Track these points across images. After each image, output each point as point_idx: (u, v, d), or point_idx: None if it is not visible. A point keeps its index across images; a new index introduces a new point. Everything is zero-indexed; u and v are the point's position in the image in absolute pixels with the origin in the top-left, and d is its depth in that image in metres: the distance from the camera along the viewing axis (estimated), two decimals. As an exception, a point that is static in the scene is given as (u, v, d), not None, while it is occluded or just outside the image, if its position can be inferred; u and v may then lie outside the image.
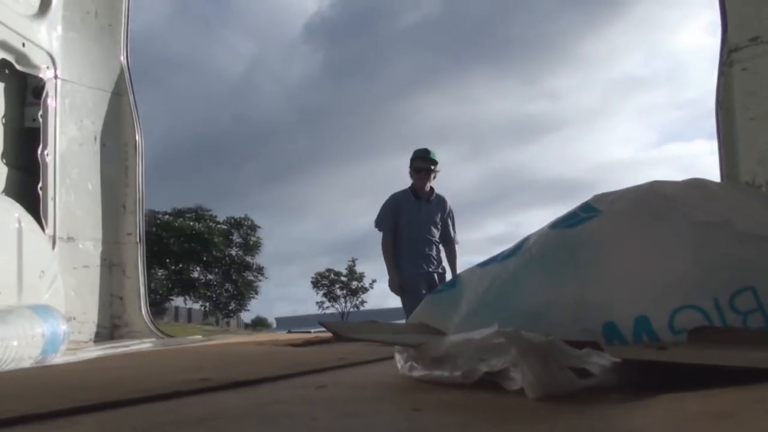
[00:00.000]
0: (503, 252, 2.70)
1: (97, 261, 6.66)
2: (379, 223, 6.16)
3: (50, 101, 6.08)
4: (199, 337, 6.73)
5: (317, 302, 37.77)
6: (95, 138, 6.73)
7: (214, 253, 26.22)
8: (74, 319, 5.95)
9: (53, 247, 5.81)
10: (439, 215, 6.23)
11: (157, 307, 24.99)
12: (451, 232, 6.36)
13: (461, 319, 2.48)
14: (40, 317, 3.59)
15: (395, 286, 6.11)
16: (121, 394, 1.82)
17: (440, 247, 6.27)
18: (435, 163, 6.12)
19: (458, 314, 2.51)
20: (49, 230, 5.83)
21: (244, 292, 28.98)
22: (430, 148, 6.18)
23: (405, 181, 6.38)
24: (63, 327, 3.80)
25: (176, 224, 26.38)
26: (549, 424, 1.20)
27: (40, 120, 5.97)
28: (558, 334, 2.29)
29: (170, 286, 26.62)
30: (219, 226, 27.47)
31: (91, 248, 6.58)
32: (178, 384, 2.03)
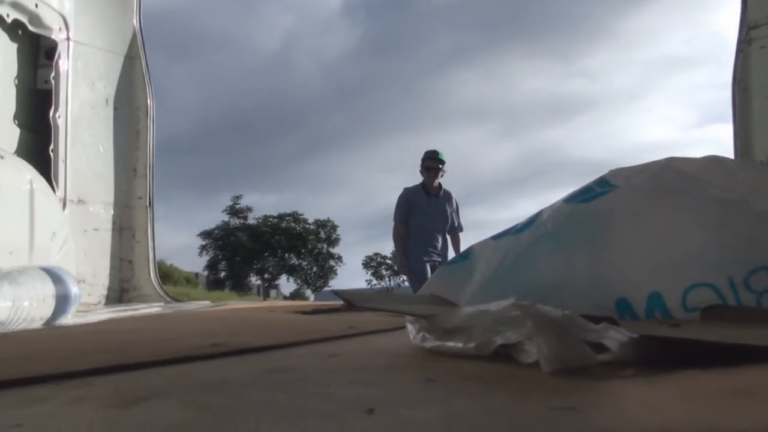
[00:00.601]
0: (517, 225, 2.68)
1: (108, 224, 6.67)
2: (396, 212, 6.86)
3: (62, 63, 6.06)
4: (208, 302, 6.75)
5: (366, 280, 44.84)
6: (107, 101, 6.71)
7: (309, 245, 35.09)
8: (84, 281, 5.97)
9: (64, 209, 5.80)
10: (447, 209, 6.94)
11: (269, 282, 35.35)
12: (456, 221, 7.05)
13: (473, 291, 2.47)
14: (51, 279, 3.60)
15: (403, 267, 7.14)
16: (134, 357, 1.82)
17: (445, 237, 7.00)
18: (443, 162, 6.82)
19: (470, 286, 2.50)
20: (60, 192, 5.84)
21: (327, 274, 38.19)
22: (438, 149, 7.03)
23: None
24: (74, 289, 3.80)
25: (282, 225, 35.03)
26: (565, 398, 1.20)
27: (52, 82, 5.95)
28: (572, 309, 2.30)
29: (278, 270, 35.90)
30: (310, 226, 36.14)
31: (101, 211, 6.59)
32: (190, 349, 2.03)
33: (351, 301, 1.91)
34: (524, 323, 1.50)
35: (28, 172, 4.59)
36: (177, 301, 6.85)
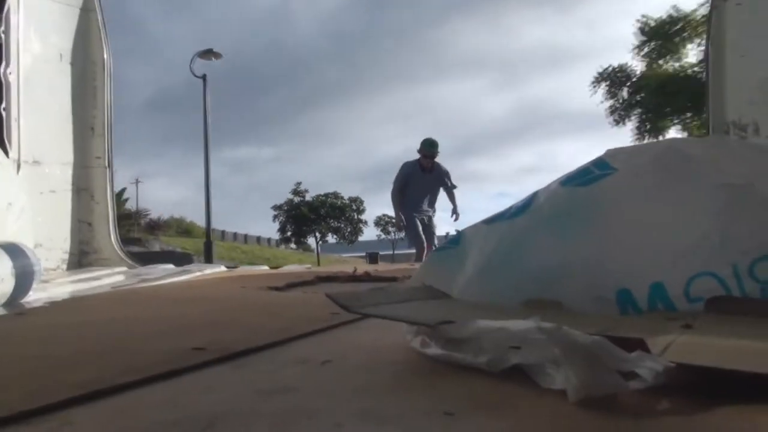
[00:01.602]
0: (510, 209, 2.56)
1: (65, 185, 6.43)
2: (396, 180, 9.29)
3: (13, 16, 5.72)
4: (171, 266, 6.56)
5: (377, 235, 55.42)
6: (61, 56, 6.40)
7: (346, 214, 48.07)
8: (41, 246, 5.75)
9: (18, 171, 5.54)
10: (437, 182, 9.47)
11: (322, 240, 48.54)
12: (449, 183, 9.54)
13: (467, 280, 2.36)
14: (9, 255, 3.40)
15: (399, 222, 9.72)
16: (104, 374, 1.66)
17: (433, 200, 9.57)
18: (437, 154, 9.25)
19: (463, 275, 2.39)
20: (13, 153, 5.57)
21: (357, 232, 49.78)
22: (434, 138, 9.33)
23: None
24: (35, 264, 3.62)
25: (328, 202, 47.34)
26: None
27: (2, 36, 5.63)
28: (571, 300, 2.20)
29: (326, 231, 48.01)
30: (346, 201, 48.25)
31: (57, 172, 6.33)
32: (170, 355, 1.87)
33: (347, 306, 1.76)
34: (548, 347, 1.37)
35: (-21, 139, 4.34)
36: (139, 265, 6.65)
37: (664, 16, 32.70)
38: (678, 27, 32.40)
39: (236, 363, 1.87)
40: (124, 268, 6.16)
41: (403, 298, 2.07)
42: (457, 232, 2.66)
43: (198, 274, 5.66)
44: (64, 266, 6.36)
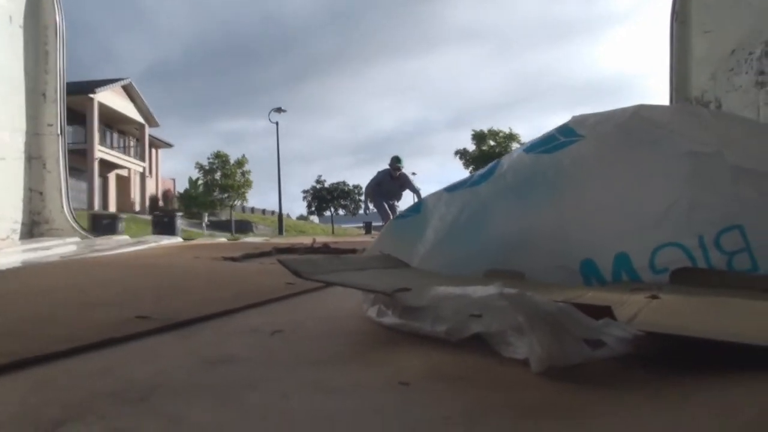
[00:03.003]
0: (473, 176, 2.48)
1: (15, 153, 6.20)
2: (372, 180, 13.02)
3: (-42, -25, 5.47)
4: (127, 237, 6.39)
5: (372, 208, 67.45)
6: (11, 18, 6.14)
7: (350, 197, 61.91)
8: (-10, 215, 5.54)
9: (-35, 138, 5.33)
10: (401, 186, 12.97)
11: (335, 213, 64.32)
12: (413, 187, 13.09)
13: (427, 249, 2.28)
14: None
15: (366, 207, 13.55)
16: (43, 341, 1.55)
17: (397, 197, 13.26)
18: (401, 167, 12.76)
19: (423, 244, 2.30)
20: (-40, 119, 5.34)
21: (358, 207, 59.42)
22: (400, 155, 12.89)
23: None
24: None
25: (339, 187, 62.00)
26: (579, 420, 1.00)
27: (-54, -4, 5.38)
28: (534, 270, 2.13)
29: (337, 207, 64.13)
30: (349, 187, 62.64)
31: (7, 139, 6.11)
32: (112, 324, 1.76)
33: (299, 272, 1.66)
34: (512, 315, 1.29)
35: None
36: (92, 236, 6.47)
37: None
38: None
39: (181, 332, 1.76)
40: (77, 239, 5.98)
41: (359, 267, 1.97)
42: (419, 200, 2.58)
43: (153, 245, 5.51)
44: (16, 236, 6.15)
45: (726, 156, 2.16)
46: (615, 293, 1.82)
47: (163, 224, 24.80)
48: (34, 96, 6.38)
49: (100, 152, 43.17)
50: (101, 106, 42.95)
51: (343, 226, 65.22)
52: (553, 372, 1.20)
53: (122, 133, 48.14)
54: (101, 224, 21.12)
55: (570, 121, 2.45)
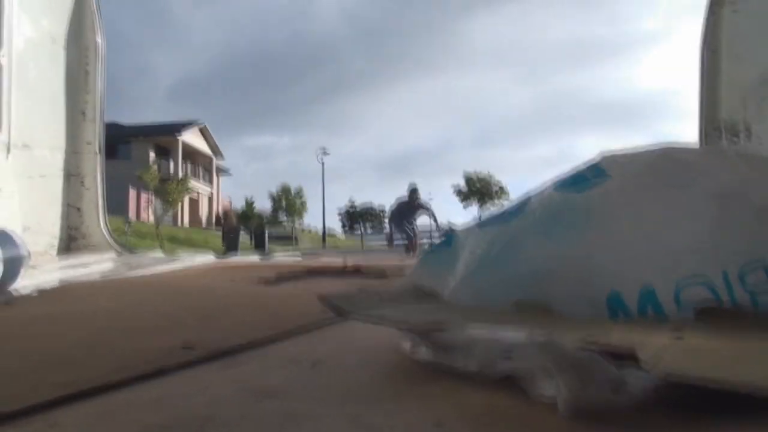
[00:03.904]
0: (503, 212, 2.56)
1: (55, 170, 6.37)
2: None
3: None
4: (161, 255, 6.54)
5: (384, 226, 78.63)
6: (53, 39, 6.33)
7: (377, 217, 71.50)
8: (29, 229, 5.70)
9: (8, 155, 5.50)
10: (419, 212, 15.76)
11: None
12: (431, 212, 16.04)
13: (457, 282, 2.35)
14: (-2, 242, 3.38)
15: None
16: (91, 373, 1.64)
17: (414, 219, 15.88)
18: (418, 196, 15.56)
19: (454, 276, 2.38)
20: (3, 137, 5.51)
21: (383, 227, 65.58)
22: (416, 185, 15.88)
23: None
24: (23, 251, 3.59)
25: (367, 210, 75.42)
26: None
27: (-6, 19, 5.56)
28: (561, 303, 2.19)
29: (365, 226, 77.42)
30: (376, 210, 73.89)
31: (47, 156, 6.28)
32: (157, 353, 1.86)
33: (339, 310, 1.76)
34: (538, 357, 1.37)
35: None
36: (127, 251, 6.63)
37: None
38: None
39: (225, 362, 1.86)
40: (113, 255, 6.13)
41: (394, 301, 2.06)
42: (450, 233, 2.65)
43: (188, 263, 5.64)
44: (53, 251, 6.32)
45: (750, 196, 2.22)
46: (640, 329, 1.88)
47: (258, 238, 32.89)
48: (74, 115, 6.56)
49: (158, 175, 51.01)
50: (184, 144, 56.76)
51: (371, 242, 68.29)
52: (579, 414, 1.27)
53: (194, 163, 61.07)
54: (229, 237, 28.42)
55: (599, 161, 2.52)
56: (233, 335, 2.18)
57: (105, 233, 6.72)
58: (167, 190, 46.36)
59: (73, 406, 1.41)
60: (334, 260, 6.74)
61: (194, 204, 58.56)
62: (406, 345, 1.88)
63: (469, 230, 2.54)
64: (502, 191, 78.71)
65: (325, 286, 4.08)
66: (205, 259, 6.26)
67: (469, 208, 78.71)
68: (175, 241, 30.84)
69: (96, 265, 5.10)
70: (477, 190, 76.16)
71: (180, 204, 51.91)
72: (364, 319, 1.79)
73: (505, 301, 2.17)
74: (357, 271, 5.08)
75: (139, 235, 29.81)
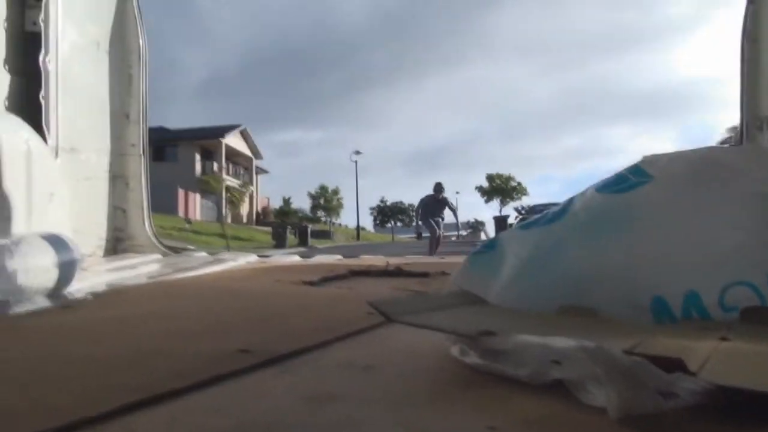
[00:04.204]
0: (546, 214, 2.59)
1: (101, 173, 6.53)
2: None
3: (51, 4, 5.79)
4: (205, 254, 6.66)
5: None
6: (98, 44, 6.48)
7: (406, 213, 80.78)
8: (78, 231, 5.83)
9: (56, 158, 5.64)
10: (443, 206, 16.90)
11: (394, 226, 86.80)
12: (452, 207, 17.57)
13: (502, 286, 2.39)
14: (53, 247, 3.48)
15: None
16: (153, 378, 1.72)
17: (442, 216, 17.19)
18: (442, 191, 16.75)
19: (498, 280, 2.41)
20: (51, 141, 5.65)
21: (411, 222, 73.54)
22: (441, 181, 17.25)
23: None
24: (76, 254, 3.70)
25: (397, 206, 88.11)
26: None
27: (41, 24, 5.69)
28: (605, 306, 2.22)
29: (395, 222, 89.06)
30: (405, 206, 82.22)
31: (93, 159, 6.43)
32: (217, 358, 1.94)
33: (388, 314, 1.81)
34: (588, 364, 1.42)
35: (24, 131, 4.42)
36: (173, 252, 6.76)
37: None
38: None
39: (281, 367, 1.92)
40: (158, 256, 6.26)
41: (441, 305, 2.11)
42: (494, 236, 2.70)
43: (231, 264, 5.74)
44: (100, 252, 6.47)
45: (795, 197, 2.23)
46: (685, 333, 1.92)
47: (301, 234, 38.41)
48: (119, 118, 6.70)
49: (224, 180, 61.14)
50: (226, 146, 62.68)
51: (400, 235, 76.27)
52: (630, 420, 1.32)
53: (236, 164, 67.66)
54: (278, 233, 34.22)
55: (641, 162, 2.54)
56: (285, 339, 2.25)
57: (150, 234, 6.86)
58: (231, 193, 57.95)
59: (143, 411, 1.48)
60: (375, 259, 6.80)
61: (228, 201, 62.65)
62: (455, 349, 1.92)
63: (512, 233, 2.59)
64: (520, 189, 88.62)
65: (369, 287, 4.15)
66: (248, 258, 6.35)
67: (491, 203, 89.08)
68: (215, 236, 32.99)
69: (143, 266, 5.22)
70: (497, 187, 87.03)
71: (242, 204, 61.21)
72: (414, 325, 1.84)
73: (549, 305, 2.21)
74: (399, 271, 5.14)
75: (195, 232, 31.79)
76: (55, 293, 3.38)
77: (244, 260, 6.06)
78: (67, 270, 3.50)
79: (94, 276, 4.39)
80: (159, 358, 2.00)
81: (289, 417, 1.46)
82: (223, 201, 59.84)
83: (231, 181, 63.24)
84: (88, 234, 6.28)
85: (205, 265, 5.46)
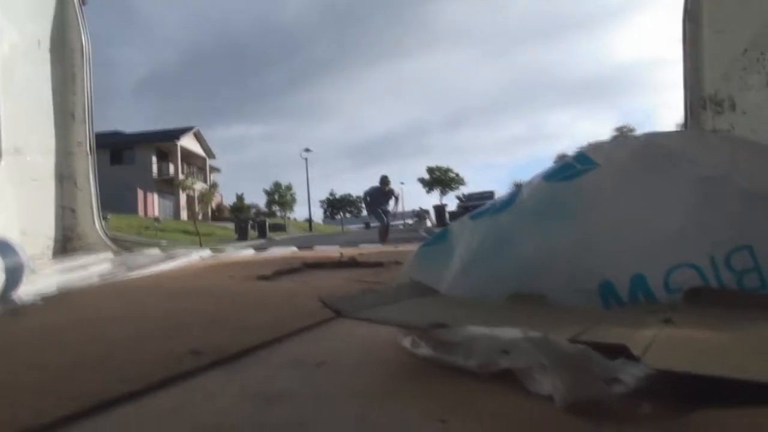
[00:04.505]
0: (495, 204, 2.62)
1: (47, 173, 6.41)
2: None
3: (-12, 5, 5.66)
4: (158, 251, 6.58)
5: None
6: (39, 43, 6.34)
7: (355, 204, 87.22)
8: (25, 233, 5.74)
9: (0, 161, 5.52)
10: (389, 197, 18.24)
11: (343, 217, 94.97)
12: (395, 198, 18.61)
13: (453, 276, 2.41)
14: (-2, 252, 3.42)
15: (369, 212, 19.45)
16: (103, 385, 1.70)
17: (386, 204, 18.32)
18: (388, 183, 18.17)
19: (450, 271, 2.44)
20: (-6, 144, 5.54)
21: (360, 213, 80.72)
22: (387, 173, 18.72)
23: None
24: (24, 258, 3.63)
25: (346, 198, 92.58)
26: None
27: (-21, 25, 5.56)
28: (555, 292, 2.26)
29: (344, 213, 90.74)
30: (353, 198, 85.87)
31: (39, 160, 6.30)
32: (166, 361, 1.92)
33: (340, 311, 1.82)
34: (534, 354, 1.44)
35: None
36: (123, 249, 6.67)
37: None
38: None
39: (232, 366, 1.92)
40: (110, 254, 6.17)
41: (393, 298, 2.12)
42: (444, 227, 2.72)
43: (184, 260, 5.68)
44: (49, 252, 6.36)
45: (735, 179, 2.28)
46: (631, 317, 1.96)
47: (260, 227, 40.19)
48: (64, 117, 6.58)
49: (180, 180, 64.29)
50: (182, 148, 64.92)
51: (349, 226, 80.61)
52: (576, 408, 1.34)
53: (190, 164, 69.97)
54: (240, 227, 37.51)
55: (586, 149, 2.58)
56: (237, 337, 2.24)
57: (100, 233, 6.76)
58: (202, 192, 63.31)
59: (90, 419, 1.46)
60: (330, 250, 6.80)
61: (191, 200, 65.99)
62: (407, 342, 1.94)
63: (463, 223, 2.60)
64: (458, 179, 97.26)
65: (323, 280, 4.15)
66: (201, 254, 6.30)
67: (432, 193, 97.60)
68: (189, 234, 35.28)
69: (94, 266, 5.13)
70: (437, 178, 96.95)
71: (175, 200, 63.67)
72: (366, 320, 1.84)
73: (500, 294, 2.24)
74: (353, 262, 5.14)
75: (161, 230, 35.17)
76: (2, 298, 3.31)
77: (197, 255, 6.00)
78: (14, 274, 3.43)
79: (44, 278, 4.31)
80: (109, 363, 1.98)
81: (242, 418, 1.46)
82: (195, 200, 64.25)
83: (190, 182, 66.46)
84: (36, 235, 6.17)
85: (157, 262, 5.40)
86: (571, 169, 2.49)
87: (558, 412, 1.34)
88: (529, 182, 2.61)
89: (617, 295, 2.22)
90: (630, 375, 1.38)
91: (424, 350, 1.83)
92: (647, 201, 2.33)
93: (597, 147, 2.57)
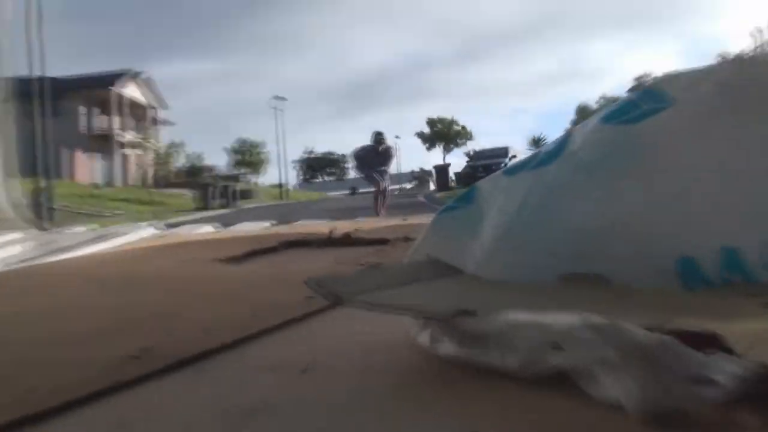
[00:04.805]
0: (538, 154, 2.57)
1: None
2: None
3: None
4: (83, 229, 6.55)
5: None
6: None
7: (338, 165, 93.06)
8: None
9: None
10: (383, 157, 17.96)
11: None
12: (390, 159, 18.53)
13: (485, 250, 2.36)
14: None
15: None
16: (29, 395, 1.68)
17: (386, 169, 18.18)
18: (383, 140, 17.83)
19: (479, 244, 2.38)
20: None
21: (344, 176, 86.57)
22: (382, 130, 18.53)
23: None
24: None
25: (327, 158, 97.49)
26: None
27: None
28: (620, 272, 2.22)
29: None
30: (336, 156, 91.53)
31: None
32: (109, 366, 1.89)
33: (339, 297, 1.78)
34: (598, 346, 1.41)
35: None
36: (44, 229, 6.65)
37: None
38: None
39: (192, 371, 1.89)
40: (21, 234, 6.14)
41: (405, 280, 2.08)
42: (471, 187, 2.63)
43: (122, 240, 5.66)
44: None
45: None
46: (724, 301, 1.92)
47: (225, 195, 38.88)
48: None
49: (120, 136, 62.27)
50: (121, 97, 62.55)
51: (332, 192, 78.34)
52: (655, 417, 1.31)
53: (132, 116, 66.58)
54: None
55: (657, 82, 2.53)
56: (198, 336, 2.21)
57: (7, 205, 6.68)
58: (159, 155, 63.25)
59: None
60: (315, 224, 6.77)
61: (126, 161, 64.24)
62: (424, 336, 1.90)
63: (495, 180, 2.55)
64: (464, 133, 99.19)
65: (309, 263, 4.12)
66: (145, 233, 6.26)
67: (434, 150, 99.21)
68: (132, 203, 34.97)
69: (9, 246, 5.11)
70: (439, 132, 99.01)
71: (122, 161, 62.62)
72: (367, 307, 1.81)
73: (547, 273, 2.20)
74: (347, 239, 5.08)
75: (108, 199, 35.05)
76: None
77: (140, 234, 5.95)
78: None
79: None
80: (38, 371, 1.95)
81: (209, 436, 1.44)
82: (149, 163, 64.19)
83: (132, 137, 64.86)
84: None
85: (90, 244, 5.37)
86: (638, 107, 2.44)
87: (631, 424, 1.32)
88: (583, 125, 2.56)
89: (703, 275, 2.17)
90: (726, 375, 1.34)
91: (447, 347, 1.79)
92: (740, 150, 2.28)
93: (671, 78, 2.51)
